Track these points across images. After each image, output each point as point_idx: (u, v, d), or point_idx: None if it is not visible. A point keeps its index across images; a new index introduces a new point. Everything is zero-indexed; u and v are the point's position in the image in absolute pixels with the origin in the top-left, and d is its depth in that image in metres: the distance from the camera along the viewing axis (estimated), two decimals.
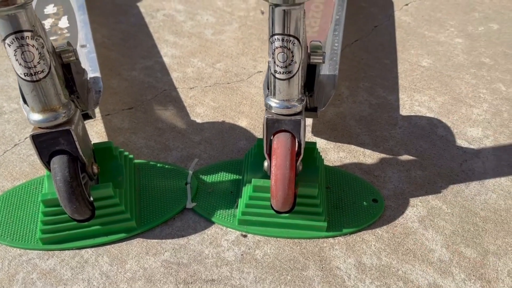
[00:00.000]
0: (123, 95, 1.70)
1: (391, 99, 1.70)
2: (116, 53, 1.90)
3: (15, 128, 1.55)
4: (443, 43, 1.97)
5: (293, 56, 1.03)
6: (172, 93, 1.71)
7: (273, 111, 1.12)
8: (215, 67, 1.84)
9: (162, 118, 1.61)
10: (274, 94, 1.10)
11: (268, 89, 1.14)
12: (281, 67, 1.05)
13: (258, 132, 1.56)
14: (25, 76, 0.99)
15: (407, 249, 1.23)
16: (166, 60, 1.87)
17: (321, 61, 1.18)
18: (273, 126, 1.13)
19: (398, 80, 1.79)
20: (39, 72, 0.99)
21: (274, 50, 1.03)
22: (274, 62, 1.05)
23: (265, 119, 1.12)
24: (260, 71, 1.82)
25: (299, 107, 1.11)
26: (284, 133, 1.14)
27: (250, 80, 1.78)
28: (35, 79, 1.00)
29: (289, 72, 1.05)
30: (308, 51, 1.20)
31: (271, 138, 1.16)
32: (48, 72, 1.01)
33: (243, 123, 1.59)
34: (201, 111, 1.64)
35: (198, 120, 1.60)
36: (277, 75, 1.06)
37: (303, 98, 1.13)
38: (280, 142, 1.13)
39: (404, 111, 1.65)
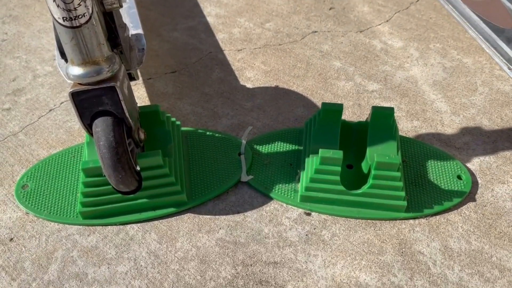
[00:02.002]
0: (165, 57, 1.54)
1: (468, 62, 1.49)
2: (156, 12, 1.74)
3: (50, 92, 1.42)
4: None
5: None
6: (218, 56, 1.55)
7: None
8: (265, 27, 1.66)
9: (209, 82, 1.45)
10: None
11: None
12: None
13: (317, 98, 1.38)
14: (63, 21, 0.84)
15: (501, 232, 1.04)
16: (210, 20, 1.70)
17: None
18: None
19: (473, 41, 1.57)
20: (80, 16, 0.84)
21: None
22: None
23: None
24: (315, 31, 1.63)
25: None
26: None
27: (304, 41, 1.59)
28: (75, 25, 0.84)
29: None
30: None
31: None
32: (90, 17, 0.85)
33: (299, 88, 1.42)
34: (251, 75, 1.47)
35: (249, 85, 1.43)
36: None
37: None
38: None
39: (484, 75, 1.44)
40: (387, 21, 1.67)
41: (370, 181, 1.04)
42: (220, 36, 1.63)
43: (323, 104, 1.14)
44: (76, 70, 0.89)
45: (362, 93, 1.39)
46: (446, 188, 1.12)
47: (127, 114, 0.95)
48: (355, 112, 1.33)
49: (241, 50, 1.57)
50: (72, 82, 0.94)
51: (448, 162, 1.17)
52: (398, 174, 1.03)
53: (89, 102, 0.92)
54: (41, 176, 1.16)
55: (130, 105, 0.98)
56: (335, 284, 0.96)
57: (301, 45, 1.58)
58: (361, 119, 1.30)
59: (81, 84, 0.91)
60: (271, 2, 1.77)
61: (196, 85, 1.44)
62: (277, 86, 1.43)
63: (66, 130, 1.30)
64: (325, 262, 1.00)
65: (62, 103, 1.38)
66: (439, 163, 1.17)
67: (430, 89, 1.39)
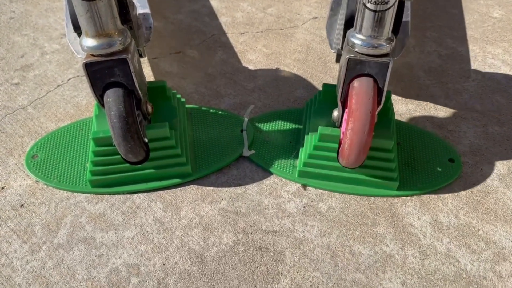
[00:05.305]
0: (170, 39, 1.58)
1: (462, 50, 1.54)
2: None
3: (57, 69, 1.46)
4: None
5: None
6: (221, 38, 1.59)
7: (356, 49, 0.97)
8: (267, 12, 1.70)
9: (212, 63, 1.49)
10: (361, 30, 0.96)
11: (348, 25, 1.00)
12: None
13: (317, 81, 1.43)
14: None
15: (488, 209, 1.10)
16: (213, 3, 1.74)
17: None
18: (354, 68, 0.99)
19: (468, 31, 1.62)
20: None
21: None
22: None
23: (347, 59, 0.98)
24: (316, 17, 1.67)
25: (387, 48, 0.97)
26: (367, 79, 0.98)
27: (305, 27, 1.64)
28: None
29: (385, 3, 0.90)
30: None
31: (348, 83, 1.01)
32: None
33: (299, 71, 1.47)
34: (253, 57, 1.52)
35: (251, 67, 1.48)
36: (369, 5, 0.92)
37: (392, 38, 0.98)
38: (361, 92, 0.97)
39: (477, 63, 1.50)
40: None
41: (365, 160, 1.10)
42: (223, 20, 1.67)
43: (324, 85, 1.20)
44: (90, 42, 0.94)
45: None
46: (438, 170, 1.17)
47: (137, 86, 0.99)
48: None
49: (243, 33, 1.61)
50: (84, 55, 0.99)
51: (440, 145, 1.22)
52: (391, 155, 1.08)
53: (101, 73, 0.97)
54: (50, 147, 1.20)
55: (139, 78, 1.03)
56: (330, 251, 1.02)
57: (302, 30, 1.62)
58: None
59: (94, 55, 0.96)
60: None
61: (200, 66, 1.48)
62: (278, 68, 1.48)
63: (74, 105, 1.34)
64: (321, 231, 1.06)
65: (69, 79, 1.42)
66: (431, 146, 1.22)
67: (425, 75, 1.45)
